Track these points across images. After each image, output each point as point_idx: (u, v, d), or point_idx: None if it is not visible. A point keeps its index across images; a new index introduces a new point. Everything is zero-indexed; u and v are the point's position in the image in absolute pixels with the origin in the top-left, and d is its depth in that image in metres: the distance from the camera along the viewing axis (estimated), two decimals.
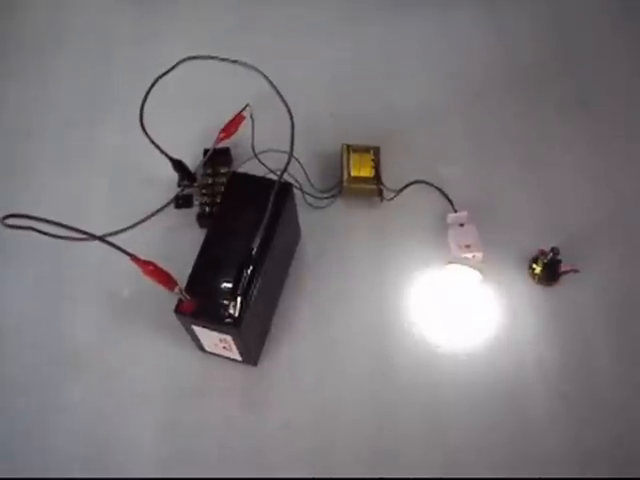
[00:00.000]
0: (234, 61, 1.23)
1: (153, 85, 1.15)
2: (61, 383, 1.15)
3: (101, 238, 0.86)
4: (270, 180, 1.07)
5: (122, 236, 1.15)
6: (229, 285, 0.98)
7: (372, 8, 1.52)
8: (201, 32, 1.48)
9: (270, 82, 1.14)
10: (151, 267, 0.89)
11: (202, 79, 1.36)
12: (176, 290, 0.93)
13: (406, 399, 1.12)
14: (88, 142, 1.37)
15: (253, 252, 0.99)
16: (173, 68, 1.15)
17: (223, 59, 1.17)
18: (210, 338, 1.03)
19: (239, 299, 0.96)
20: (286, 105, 1.11)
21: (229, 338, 0.99)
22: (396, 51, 1.47)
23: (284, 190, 1.06)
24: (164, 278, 0.91)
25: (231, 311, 0.96)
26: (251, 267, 0.99)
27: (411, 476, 1.05)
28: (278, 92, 1.13)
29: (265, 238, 1.00)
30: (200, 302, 0.97)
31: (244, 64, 1.15)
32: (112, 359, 1.16)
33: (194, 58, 1.15)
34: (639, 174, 1.31)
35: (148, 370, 1.14)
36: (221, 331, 0.98)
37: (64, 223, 0.84)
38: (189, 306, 0.96)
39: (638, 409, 1.10)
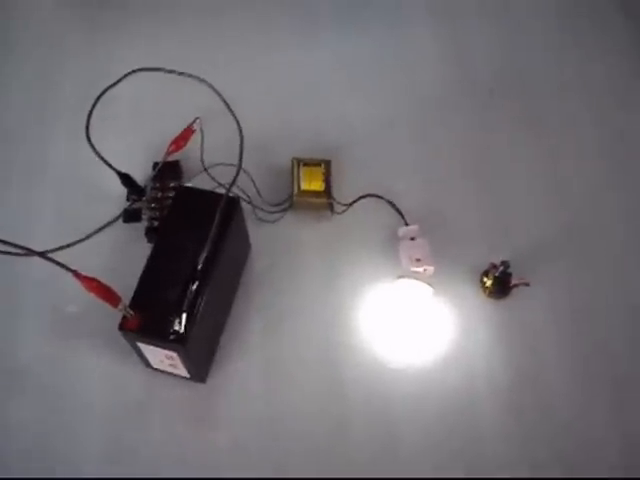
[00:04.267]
0: (182, 73, 1.22)
1: (100, 97, 1.14)
2: (2, 400, 1.12)
3: (41, 254, 0.83)
4: (218, 194, 1.06)
5: (69, 251, 1.14)
6: (174, 301, 0.96)
7: (325, 22, 1.52)
8: (151, 45, 1.45)
9: (219, 95, 1.13)
10: (94, 283, 0.86)
11: (151, 92, 1.35)
12: (120, 307, 0.91)
13: (356, 415, 1.11)
14: (34, 155, 1.34)
15: (199, 267, 0.97)
16: (121, 80, 1.13)
17: (171, 71, 1.15)
18: (156, 355, 1.01)
19: (184, 315, 0.95)
20: (235, 118, 1.10)
21: (175, 355, 0.98)
22: (348, 65, 1.46)
23: (231, 204, 1.05)
24: (108, 294, 0.89)
25: (176, 327, 0.94)
26: (197, 282, 0.97)
27: None
28: (227, 105, 1.12)
29: (212, 253, 0.98)
30: (145, 318, 0.95)
31: (193, 77, 1.14)
32: (56, 376, 1.13)
33: (142, 70, 1.14)
34: (589, 188, 1.32)
35: (93, 387, 1.12)
36: (167, 348, 0.96)
37: (5, 239, 0.81)
38: (133, 323, 0.94)
39: (587, 423, 1.11)
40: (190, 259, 0.98)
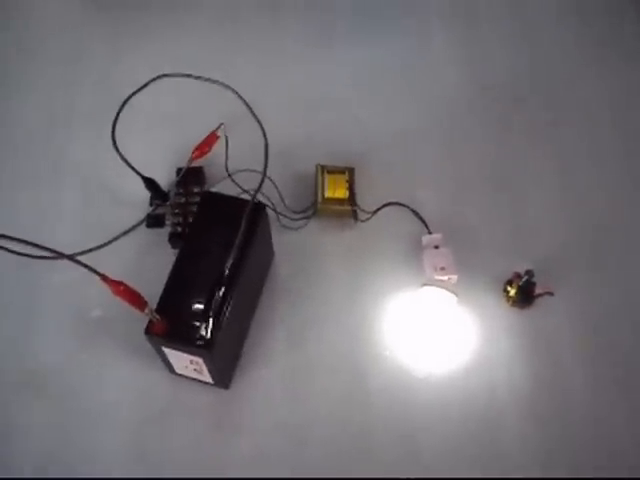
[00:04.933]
0: (208, 79, 1.21)
1: (125, 102, 1.13)
2: (26, 405, 1.12)
3: (70, 257, 0.83)
4: (243, 200, 1.06)
5: (92, 255, 1.13)
6: (201, 306, 0.96)
7: (345, 30, 1.53)
8: (174, 50, 1.46)
9: (244, 101, 1.12)
10: (121, 287, 0.86)
11: (175, 97, 1.35)
12: (146, 311, 0.90)
13: (380, 422, 1.10)
14: (58, 158, 1.35)
15: (226, 273, 0.97)
16: (146, 85, 1.13)
17: (198, 77, 1.15)
18: (181, 360, 1.01)
19: (211, 320, 0.94)
20: (260, 124, 1.10)
21: (200, 360, 0.97)
22: (366, 72, 1.46)
23: (257, 210, 1.05)
24: (134, 298, 0.88)
25: (202, 333, 0.94)
26: (223, 288, 0.97)
27: None
28: (252, 111, 1.12)
29: (238, 259, 0.98)
30: (171, 323, 0.95)
31: (218, 83, 1.13)
32: (80, 380, 1.13)
33: (167, 76, 1.13)
34: (611, 194, 1.31)
35: (117, 392, 1.12)
36: (192, 353, 0.96)
37: (32, 241, 0.81)
38: (160, 327, 0.94)
39: (610, 431, 1.10)
40: (216, 264, 0.98)
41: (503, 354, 1.16)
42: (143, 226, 1.24)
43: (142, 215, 1.24)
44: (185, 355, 0.98)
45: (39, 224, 1.25)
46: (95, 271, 0.84)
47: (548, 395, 1.13)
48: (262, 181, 1.04)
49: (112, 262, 1.07)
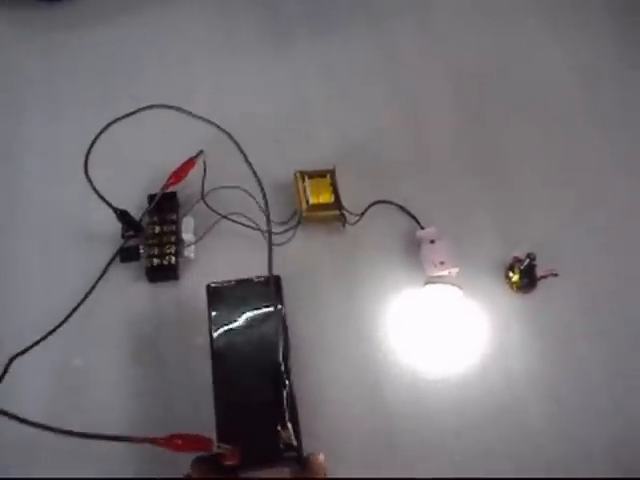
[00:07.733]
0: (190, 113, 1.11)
1: (101, 133, 1.02)
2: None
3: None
4: (250, 280, 0.96)
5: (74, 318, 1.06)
6: (272, 413, 0.86)
7: (303, 28, 1.40)
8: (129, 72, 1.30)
9: (223, 130, 1.03)
10: (178, 441, 0.75)
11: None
12: (215, 448, 0.79)
13: (405, 433, 1.09)
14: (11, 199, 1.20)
15: (281, 362, 0.88)
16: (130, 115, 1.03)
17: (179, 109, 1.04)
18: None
19: (289, 425, 0.85)
20: (245, 157, 1.02)
21: (287, 469, 0.87)
22: (333, 69, 1.36)
23: (277, 284, 0.97)
24: (197, 444, 0.77)
25: (287, 440, 0.84)
26: (287, 382, 0.88)
27: None
28: (235, 141, 1.04)
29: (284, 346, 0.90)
30: (244, 446, 0.83)
31: (196, 116, 1.03)
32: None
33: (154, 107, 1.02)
34: (598, 169, 1.30)
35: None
36: (282, 465, 0.86)
37: None
38: (234, 457, 0.82)
39: (632, 406, 1.13)
40: (266, 360, 0.89)
41: (515, 341, 1.16)
42: (117, 261, 1.14)
43: (114, 249, 1.15)
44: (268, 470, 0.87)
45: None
46: (138, 439, 0.72)
47: (565, 377, 1.14)
48: (270, 246, 1.01)
49: (96, 312, 1.05)
